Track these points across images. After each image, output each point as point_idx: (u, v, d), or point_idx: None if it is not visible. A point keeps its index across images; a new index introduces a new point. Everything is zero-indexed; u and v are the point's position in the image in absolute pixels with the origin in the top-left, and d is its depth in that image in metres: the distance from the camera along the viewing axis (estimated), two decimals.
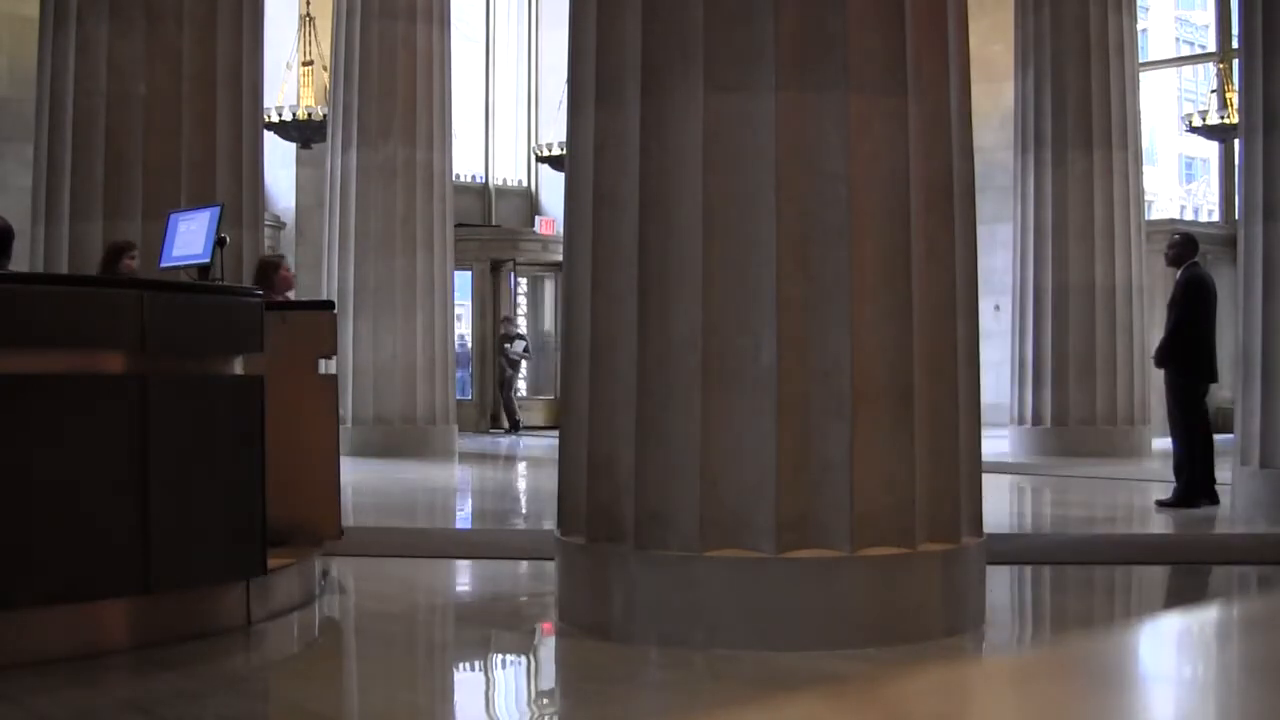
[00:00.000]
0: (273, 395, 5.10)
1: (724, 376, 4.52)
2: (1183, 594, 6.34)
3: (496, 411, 20.12)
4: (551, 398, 19.35)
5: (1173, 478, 9.13)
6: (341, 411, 12.33)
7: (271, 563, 5.02)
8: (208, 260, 5.62)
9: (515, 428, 18.90)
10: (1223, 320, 9.22)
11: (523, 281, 21.07)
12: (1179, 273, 9.10)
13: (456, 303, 15.78)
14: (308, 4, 18.34)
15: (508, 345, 19.27)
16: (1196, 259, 9.11)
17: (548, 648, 5.07)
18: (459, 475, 12.96)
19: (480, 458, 15.08)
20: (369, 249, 13.91)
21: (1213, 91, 20.02)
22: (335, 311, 6.34)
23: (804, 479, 4.48)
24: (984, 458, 5.08)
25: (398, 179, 13.87)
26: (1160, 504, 9.05)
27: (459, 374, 16.91)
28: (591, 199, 4.83)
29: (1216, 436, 9.18)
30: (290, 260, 18.79)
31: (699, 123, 4.57)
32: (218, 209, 5.81)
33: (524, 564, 6.68)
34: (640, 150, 4.66)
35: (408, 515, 9.58)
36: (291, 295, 7.56)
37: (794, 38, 4.54)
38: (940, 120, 4.76)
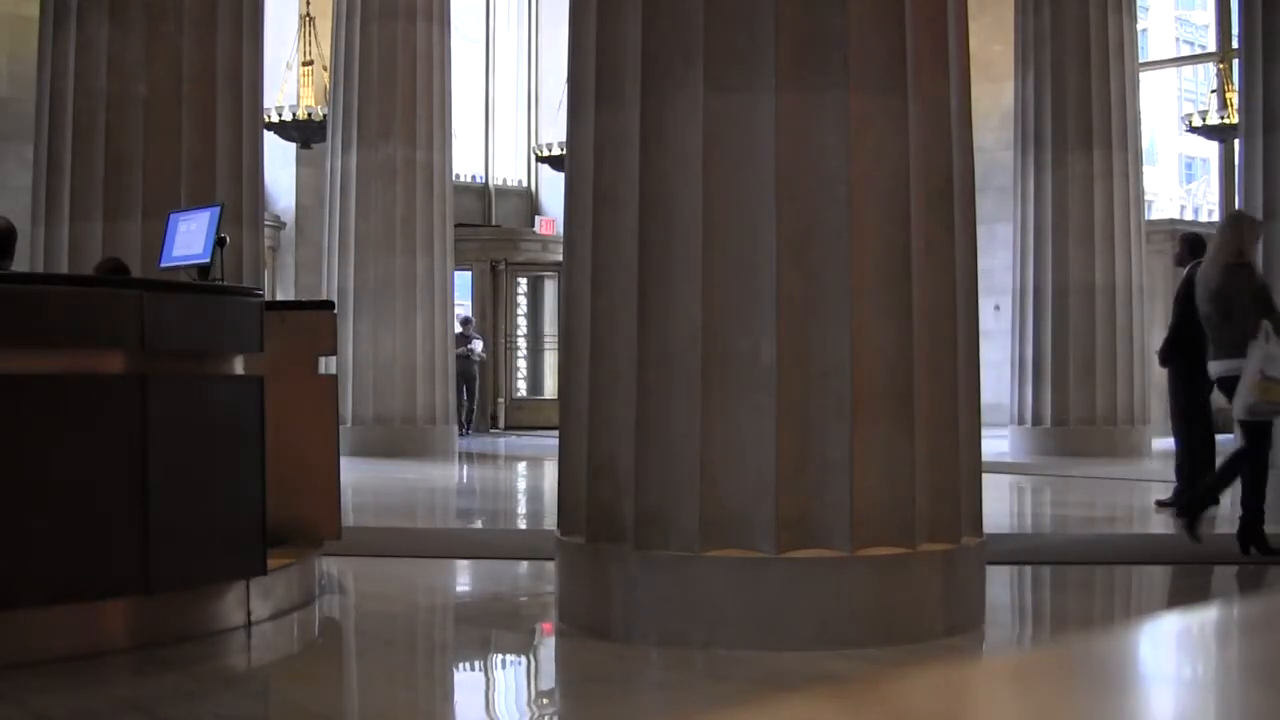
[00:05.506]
0: (273, 395, 5.10)
1: (724, 376, 4.52)
2: (1183, 594, 6.33)
3: (495, 411, 20.11)
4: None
5: (1174, 477, 9.13)
6: (341, 411, 12.33)
7: (271, 563, 5.02)
8: (208, 260, 5.61)
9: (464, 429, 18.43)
10: None
11: (522, 281, 21.07)
12: (1184, 272, 9.11)
13: (457, 303, 15.78)
14: (308, 4, 18.35)
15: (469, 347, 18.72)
16: (1203, 259, 9.10)
17: (548, 648, 5.07)
18: (458, 475, 12.96)
19: (481, 457, 15.08)
20: (369, 249, 13.91)
21: (1213, 91, 20.03)
22: (335, 311, 6.34)
23: (804, 479, 4.48)
24: (984, 458, 5.08)
25: (398, 179, 13.88)
26: (1160, 504, 9.06)
27: None
28: (591, 199, 4.83)
29: (1217, 436, 9.18)
30: (289, 260, 18.89)
31: (699, 123, 4.57)
32: (218, 209, 5.81)
33: (524, 564, 6.68)
34: (640, 150, 4.66)
35: (408, 515, 9.59)
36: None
37: (794, 38, 4.54)
38: (940, 120, 4.76)
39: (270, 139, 14.15)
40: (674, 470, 4.54)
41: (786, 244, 4.50)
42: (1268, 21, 8.35)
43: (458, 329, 18.45)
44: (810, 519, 4.48)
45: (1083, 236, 13.68)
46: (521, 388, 21.05)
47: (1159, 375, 10.31)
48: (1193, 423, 8.97)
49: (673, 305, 4.58)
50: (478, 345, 18.64)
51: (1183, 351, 8.97)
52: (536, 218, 21.98)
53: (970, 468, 4.85)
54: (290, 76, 18.38)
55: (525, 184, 22.74)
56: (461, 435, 17.80)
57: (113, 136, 7.66)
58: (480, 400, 19.28)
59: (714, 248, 4.54)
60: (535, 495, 11.22)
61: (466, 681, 4.82)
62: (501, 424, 20.23)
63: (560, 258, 7.02)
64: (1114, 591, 6.46)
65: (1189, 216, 26.45)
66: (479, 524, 9.28)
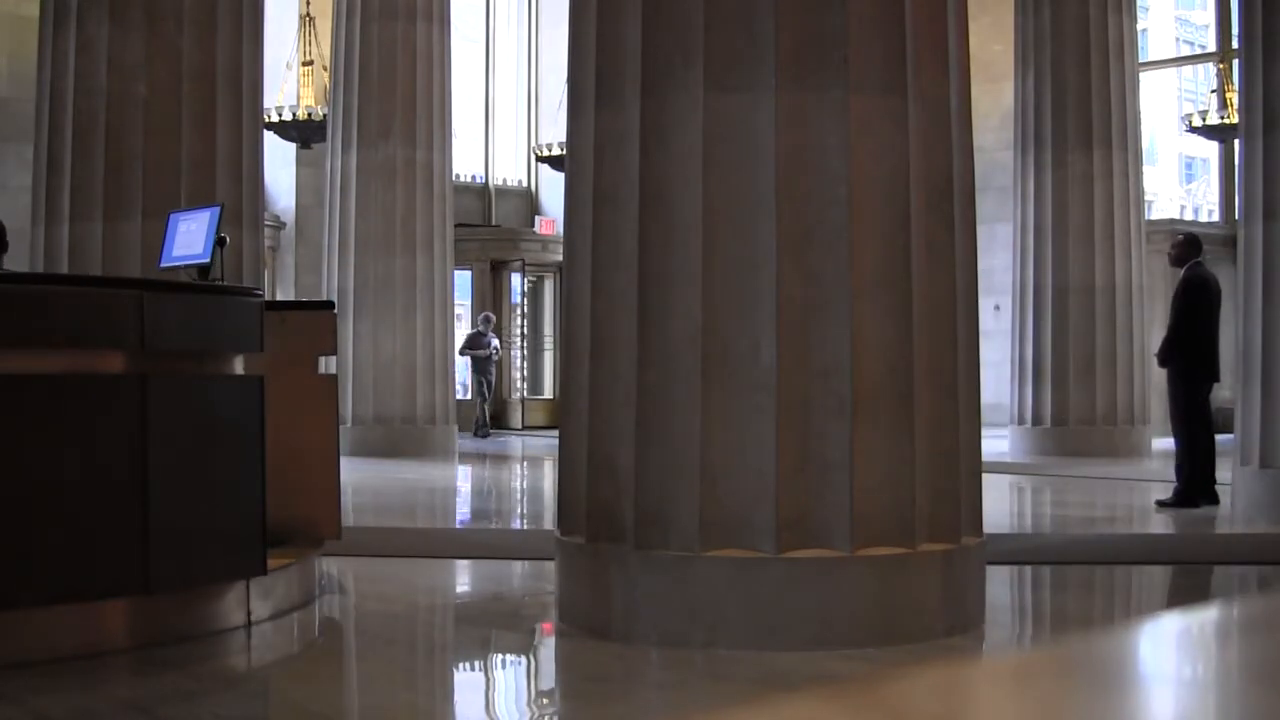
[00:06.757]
0: (273, 395, 5.10)
1: (724, 376, 4.52)
2: (1183, 594, 6.33)
3: (498, 411, 20.09)
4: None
5: (1174, 477, 9.14)
6: (341, 411, 12.34)
7: (271, 563, 5.02)
8: (208, 260, 5.61)
9: (481, 430, 18.14)
10: (1224, 320, 9.23)
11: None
12: (1182, 272, 9.12)
13: (457, 302, 15.78)
14: (308, 4, 18.35)
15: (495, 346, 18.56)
16: (1200, 259, 9.11)
17: (548, 648, 5.07)
18: (459, 475, 12.96)
19: (480, 457, 15.08)
20: (369, 249, 13.91)
21: (1213, 91, 20.04)
22: (335, 311, 6.34)
23: (804, 479, 4.48)
24: (984, 458, 5.08)
25: (398, 179, 13.88)
26: (1160, 504, 9.05)
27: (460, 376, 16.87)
28: (591, 199, 4.83)
29: (1217, 436, 9.18)
30: (289, 260, 18.88)
31: (699, 123, 4.57)
32: (218, 209, 5.81)
33: (524, 564, 6.68)
34: (640, 150, 4.66)
35: (408, 515, 9.59)
36: None
37: (794, 38, 4.54)
38: (940, 120, 4.76)
39: (270, 139, 14.15)
40: (674, 470, 4.54)
41: (786, 244, 4.50)
42: (1268, 21, 8.35)
43: (478, 327, 18.42)
44: (810, 519, 4.48)
45: (1083, 236, 13.68)
46: (522, 387, 21.06)
47: (1159, 375, 10.31)
48: (1192, 422, 8.97)
49: (673, 305, 4.58)
50: (495, 342, 18.54)
51: (1182, 351, 8.97)
52: (536, 218, 21.99)
53: (970, 468, 4.85)
54: (290, 76, 18.39)
55: (525, 184, 22.74)
56: (480, 436, 17.73)
57: (113, 136, 7.65)
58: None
59: (714, 248, 4.54)
60: (535, 495, 11.22)
61: (466, 681, 4.82)
62: (521, 423, 20.21)
63: (560, 258, 7.01)
64: (1114, 591, 6.46)
65: (1189, 216, 26.45)
66: (494, 525, 9.27)
